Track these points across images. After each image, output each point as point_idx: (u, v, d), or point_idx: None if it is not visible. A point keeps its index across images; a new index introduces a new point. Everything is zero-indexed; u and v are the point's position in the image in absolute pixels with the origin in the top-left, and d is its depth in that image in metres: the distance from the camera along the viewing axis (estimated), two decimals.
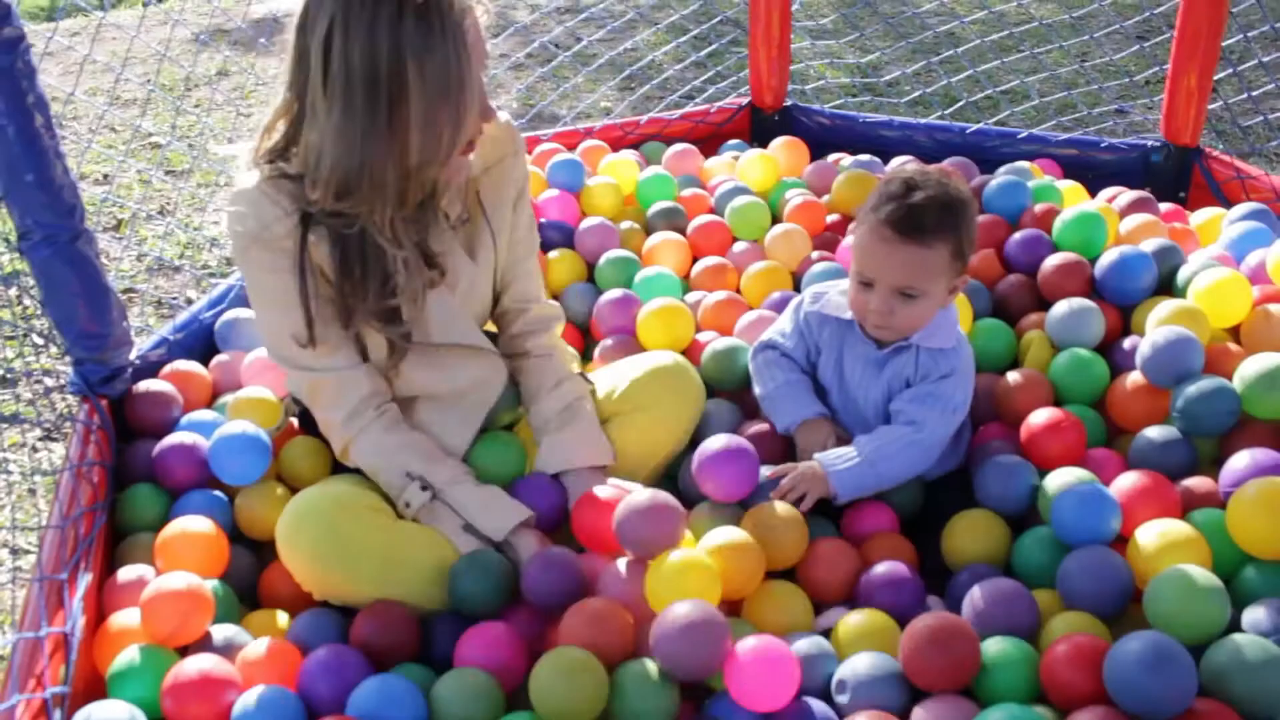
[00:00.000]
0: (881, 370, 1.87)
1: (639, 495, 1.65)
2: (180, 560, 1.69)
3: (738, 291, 2.38)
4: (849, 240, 2.31)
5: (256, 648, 1.57)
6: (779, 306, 2.20)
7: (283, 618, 1.71)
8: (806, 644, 1.54)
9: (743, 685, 1.43)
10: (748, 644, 1.45)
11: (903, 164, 2.70)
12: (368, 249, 1.64)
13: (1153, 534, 1.57)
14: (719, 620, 1.46)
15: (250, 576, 1.81)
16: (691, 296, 2.36)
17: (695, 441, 1.97)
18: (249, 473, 1.86)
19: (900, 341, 1.84)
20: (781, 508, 1.73)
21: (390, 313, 1.69)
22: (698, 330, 2.26)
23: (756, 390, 1.99)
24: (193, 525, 1.73)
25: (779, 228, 2.50)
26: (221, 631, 1.63)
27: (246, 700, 1.47)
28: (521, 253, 1.90)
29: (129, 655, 1.56)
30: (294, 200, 1.61)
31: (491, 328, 1.97)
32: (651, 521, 1.62)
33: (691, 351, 2.17)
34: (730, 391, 2.11)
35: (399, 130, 1.51)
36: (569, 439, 1.84)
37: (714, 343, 2.13)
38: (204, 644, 1.61)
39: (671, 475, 1.98)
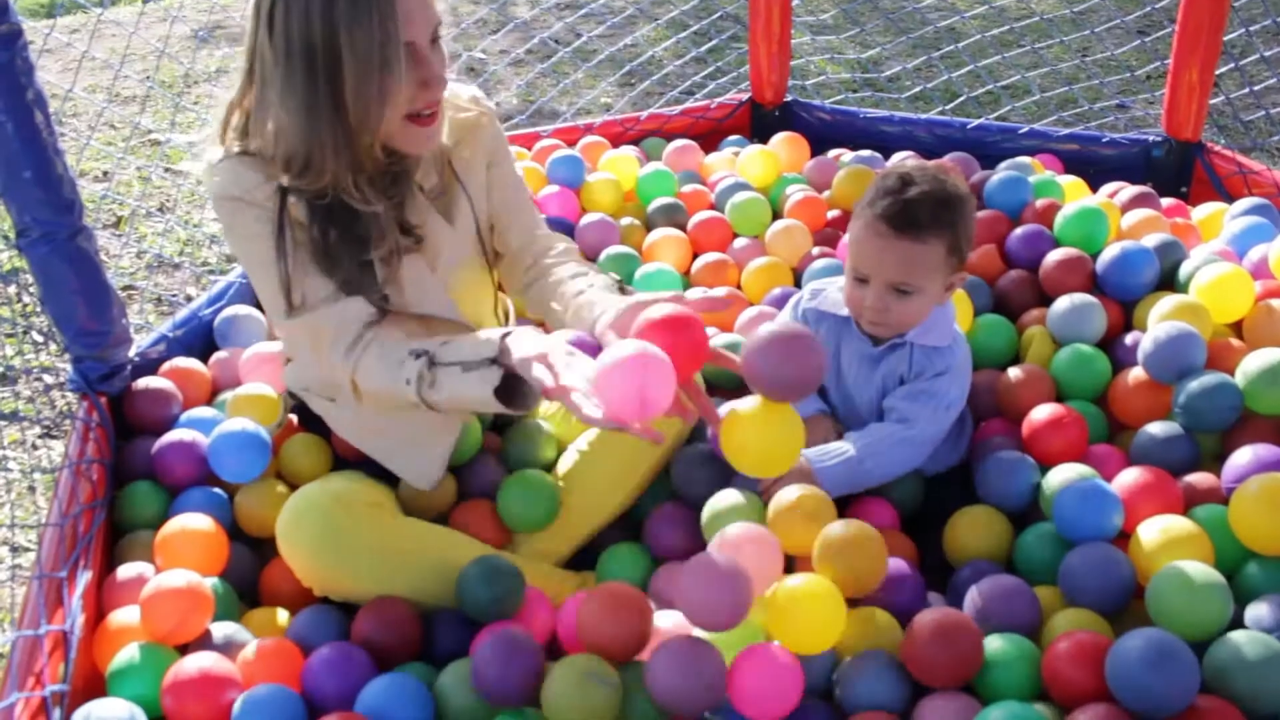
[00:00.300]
0: (876, 367, 1.87)
1: (771, 325, 1.42)
2: (180, 558, 1.69)
3: (738, 287, 2.38)
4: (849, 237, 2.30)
5: (257, 646, 1.57)
6: (780, 302, 2.19)
7: (283, 615, 1.71)
8: None
9: (745, 694, 1.42)
10: (751, 653, 1.44)
11: (902, 159, 2.69)
12: (338, 212, 1.63)
13: (1155, 530, 1.57)
14: (715, 656, 1.42)
15: (250, 574, 1.81)
16: (692, 293, 2.35)
17: (692, 438, 1.97)
18: (248, 470, 1.86)
19: (895, 338, 1.84)
20: (809, 493, 1.70)
21: (366, 268, 1.68)
22: None
23: None
24: (192, 523, 1.73)
25: (780, 224, 2.49)
26: (221, 629, 1.63)
27: (247, 699, 1.47)
28: (509, 196, 1.89)
29: (129, 653, 1.55)
30: (266, 170, 1.62)
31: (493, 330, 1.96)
32: (792, 356, 1.38)
33: None
34: (730, 390, 2.10)
35: (339, 101, 1.53)
36: (609, 295, 1.69)
37: (713, 340, 2.12)
38: (204, 642, 1.60)
39: (665, 471, 1.95)
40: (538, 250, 1.90)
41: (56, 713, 1.45)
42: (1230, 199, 2.55)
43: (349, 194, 1.61)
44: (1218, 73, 2.68)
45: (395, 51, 1.51)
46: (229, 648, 1.59)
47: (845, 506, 1.82)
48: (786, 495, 1.68)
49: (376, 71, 1.51)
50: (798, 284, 2.30)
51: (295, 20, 1.49)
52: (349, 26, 1.48)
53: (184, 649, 1.59)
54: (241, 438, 1.85)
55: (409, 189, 1.72)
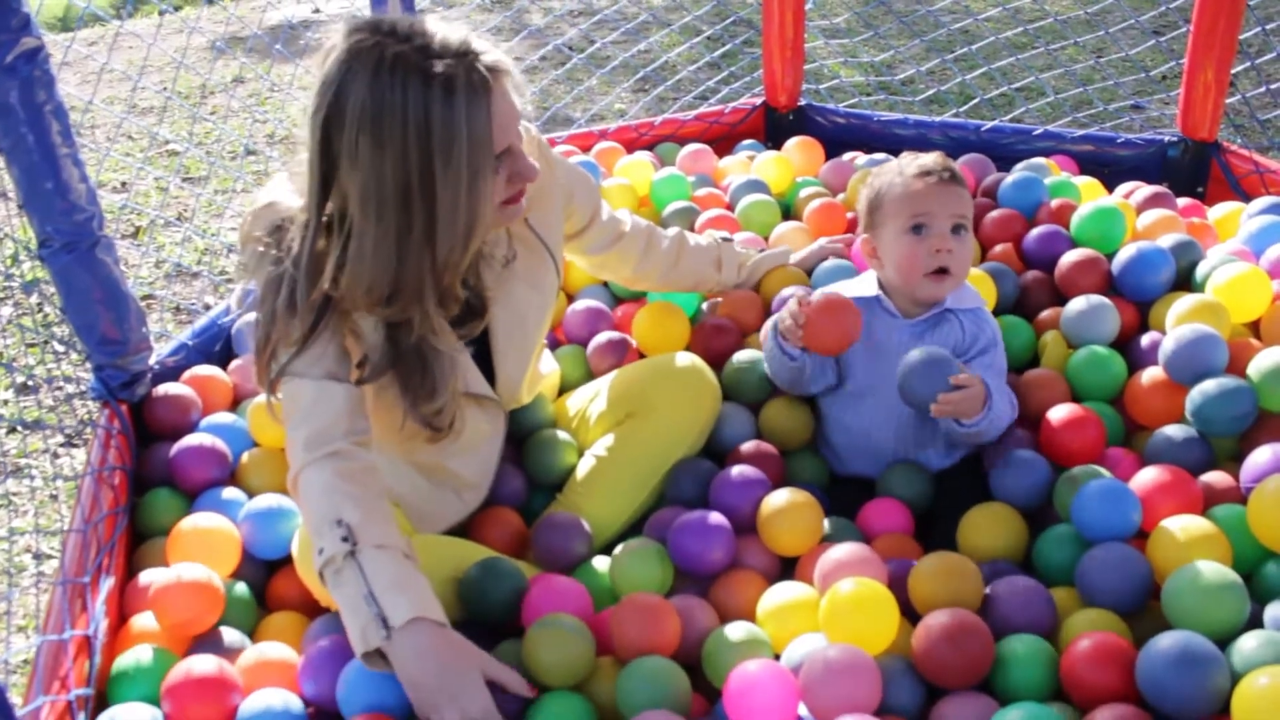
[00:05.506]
0: (921, 341, 1.86)
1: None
2: (191, 558, 1.70)
3: (755, 290, 2.38)
4: (861, 239, 2.29)
5: (259, 651, 1.58)
6: None
7: (299, 621, 1.71)
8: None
9: (740, 712, 1.42)
10: (747, 668, 1.43)
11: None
12: (408, 352, 1.59)
13: (1173, 530, 1.56)
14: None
15: (267, 578, 1.82)
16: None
17: (709, 444, 1.97)
18: (282, 547, 1.81)
19: (934, 310, 1.85)
20: (796, 497, 1.73)
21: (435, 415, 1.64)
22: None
23: (769, 350, 1.95)
24: (204, 522, 1.75)
25: (785, 225, 2.49)
26: (229, 634, 1.65)
27: (249, 705, 1.48)
28: (603, 227, 1.99)
29: (135, 655, 1.57)
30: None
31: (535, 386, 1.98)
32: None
33: (692, 349, 2.14)
34: (748, 402, 2.07)
35: (431, 235, 1.47)
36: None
37: (736, 355, 2.08)
38: (212, 645, 1.62)
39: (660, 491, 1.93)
40: (628, 244, 2.03)
41: (81, 717, 1.46)
42: (1247, 198, 2.54)
43: (420, 327, 1.56)
44: (1234, 72, 2.67)
45: (488, 165, 1.46)
46: (234, 653, 1.60)
47: (857, 508, 1.83)
48: (776, 498, 1.74)
49: (463, 218, 1.46)
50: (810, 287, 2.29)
51: (389, 160, 1.41)
52: (444, 167, 1.42)
53: (190, 649, 1.60)
54: (273, 514, 1.81)
55: (485, 260, 1.69)
